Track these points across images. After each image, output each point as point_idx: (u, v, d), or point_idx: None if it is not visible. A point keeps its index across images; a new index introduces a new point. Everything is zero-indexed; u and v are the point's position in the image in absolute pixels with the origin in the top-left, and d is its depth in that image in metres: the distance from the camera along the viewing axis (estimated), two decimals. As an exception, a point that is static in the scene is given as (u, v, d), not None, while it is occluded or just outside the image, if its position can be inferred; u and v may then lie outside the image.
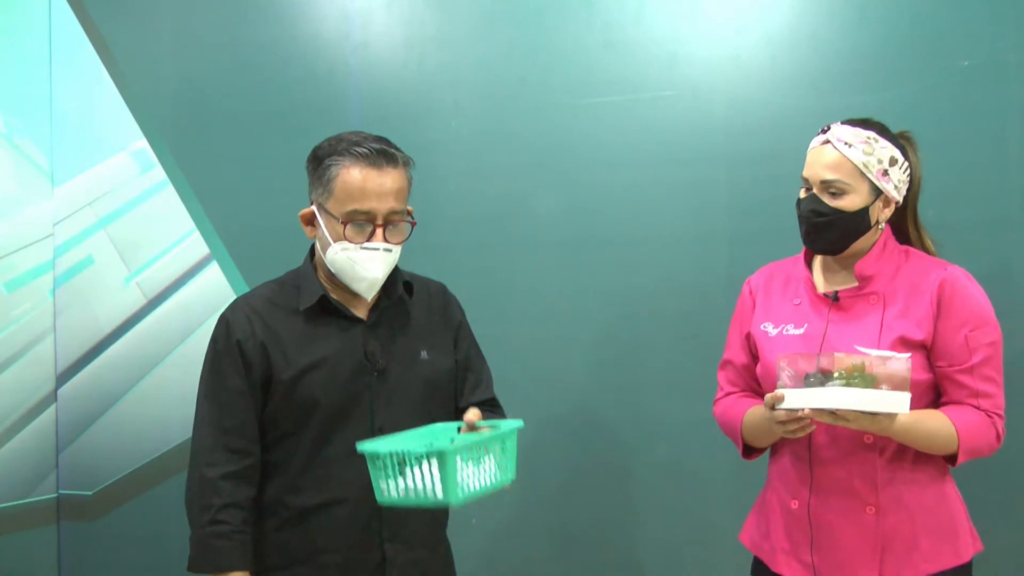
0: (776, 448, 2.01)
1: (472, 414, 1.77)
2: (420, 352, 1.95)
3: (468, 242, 2.86)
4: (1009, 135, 2.42)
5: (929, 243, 2.01)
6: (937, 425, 1.84)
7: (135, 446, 3.25)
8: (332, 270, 1.88)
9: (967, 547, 1.91)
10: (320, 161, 1.86)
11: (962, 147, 2.43)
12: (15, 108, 3.30)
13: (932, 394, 1.91)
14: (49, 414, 3.32)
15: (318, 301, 1.89)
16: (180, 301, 3.22)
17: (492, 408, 2.07)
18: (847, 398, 1.73)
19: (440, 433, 1.79)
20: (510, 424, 1.76)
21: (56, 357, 3.33)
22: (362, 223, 1.83)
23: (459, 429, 1.79)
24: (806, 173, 1.93)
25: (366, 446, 1.66)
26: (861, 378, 1.73)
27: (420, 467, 1.59)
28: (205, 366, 1.92)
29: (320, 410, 1.86)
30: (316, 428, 1.87)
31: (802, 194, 1.94)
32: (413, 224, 1.89)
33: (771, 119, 2.58)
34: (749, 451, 2.05)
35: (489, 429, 1.75)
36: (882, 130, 1.91)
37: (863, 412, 1.74)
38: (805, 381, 1.78)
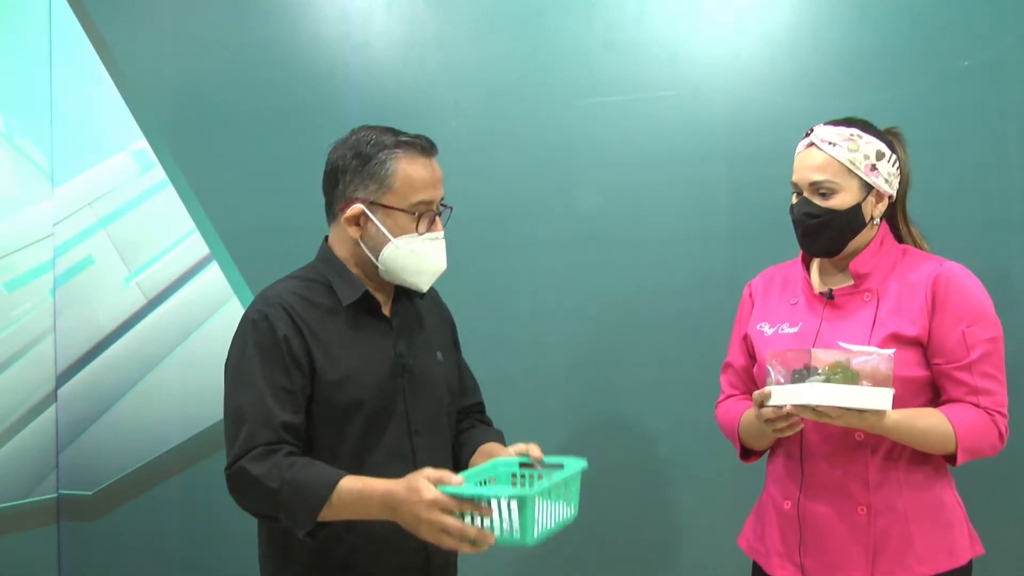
0: (772, 449, 2.01)
1: (536, 450, 1.75)
2: (436, 352, 1.94)
3: (468, 242, 2.85)
4: (1009, 135, 2.42)
5: (920, 239, 2.00)
6: (931, 423, 1.81)
7: (135, 446, 3.25)
8: (388, 267, 1.80)
9: (964, 550, 1.87)
10: (369, 158, 1.79)
11: (962, 147, 2.43)
12: (15, 108, 3.29)
13: (929, 392, 1.89)
14: (49, 414, 3.32)
15: (359, 299, 1.82)
16: (180, 301, 3.22)
17: (480, 412, 2.07)
18: (826, 394, 1.71)
19: (503, 471, 1.76)
20: (575, 464, 1.74)
21: (56, 357, 3.33)
22: (426, 212, 1.81)
23: (520, 464, 1.77)
24: (795, 178, 1.93)
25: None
26: (843, 374, 1.71)
27: (501, 510, 1.58)
28: (241, 365, 1.77)
29: (362, 412, 1.80)
30: (358, 431, 1.80)
31: (794, 200, 1.94)
32: (451, 209, 1.88)
33: (771, 119, 2.57)
34: (747, 453, 2.05)
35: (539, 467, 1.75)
36: (866, 126, 1.91)
37: (847, 409, 1.72)
38: (793, 377, 1.76)
